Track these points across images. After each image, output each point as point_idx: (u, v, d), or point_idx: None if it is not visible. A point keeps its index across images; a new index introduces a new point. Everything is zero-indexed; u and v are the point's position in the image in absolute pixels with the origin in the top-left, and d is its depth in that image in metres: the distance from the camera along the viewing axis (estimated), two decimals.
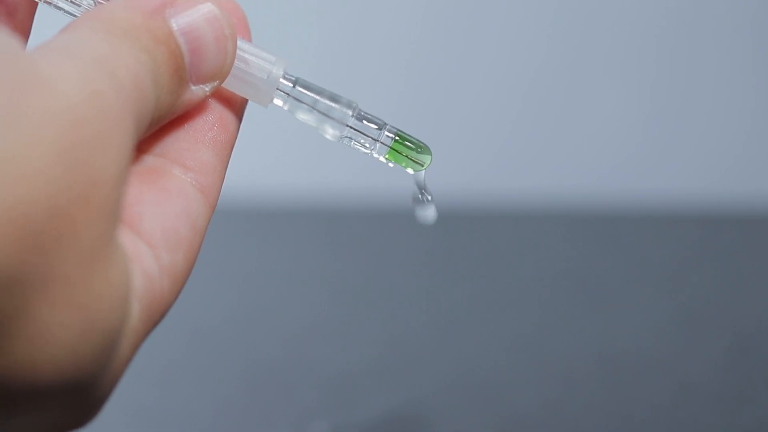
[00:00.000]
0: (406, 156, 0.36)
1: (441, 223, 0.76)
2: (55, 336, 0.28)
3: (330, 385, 0.64)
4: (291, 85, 0.35)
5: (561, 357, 0.64)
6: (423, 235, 0.82)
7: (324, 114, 0.35)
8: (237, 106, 0.35)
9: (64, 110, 0.27)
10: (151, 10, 0.32)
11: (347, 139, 0.35)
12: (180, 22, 0.32)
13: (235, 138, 0.35)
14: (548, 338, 0.66)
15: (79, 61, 0.29)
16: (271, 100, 0.35)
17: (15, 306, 0.27)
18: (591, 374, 0.60)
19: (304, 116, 0.35)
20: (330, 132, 0.35)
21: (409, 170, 0.36)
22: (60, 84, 0.28)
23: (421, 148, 0.36)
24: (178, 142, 0.34)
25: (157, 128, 0.34)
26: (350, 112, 0.35)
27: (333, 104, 0.35)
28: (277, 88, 0.35)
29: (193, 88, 0.33)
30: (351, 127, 0.35)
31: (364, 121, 0.35)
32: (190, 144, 0.34)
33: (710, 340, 0.65)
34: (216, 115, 0.34)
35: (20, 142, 0.26)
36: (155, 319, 0.32)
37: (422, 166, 0.36)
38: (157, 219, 0.32)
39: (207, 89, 0.33)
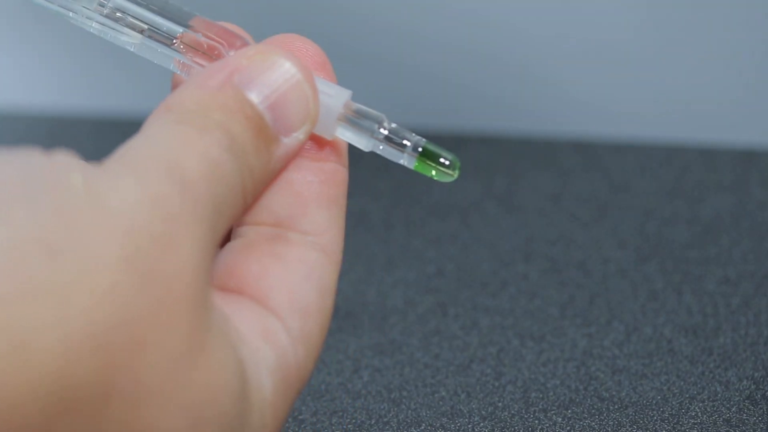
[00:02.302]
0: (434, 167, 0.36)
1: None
2: None
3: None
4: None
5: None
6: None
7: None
8: (339, 156, 0.35)
9: (121, 224, 0.28)
10: (219, 84, 0.32)
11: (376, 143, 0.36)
12: (251, 84, 0.33)
13: (346, 186, 0.35)
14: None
15: (138, 166, 0.29)
16: (334, 134, 0.35)
17: (117, 421, 0.28)
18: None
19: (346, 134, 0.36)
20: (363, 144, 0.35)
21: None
22: (115, 197, 0.28)
23: (449, 161, 0.35)
24: (290, 208, 0.34)
25: (264, 191, 0.34)
26: (377, 126, 0.35)
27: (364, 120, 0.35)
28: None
29: (286, 140, 0.33)
30: (380, 140, 0.35)
31: (392, 135, 0.35)
32: (301, 208, 0.34)
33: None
34: (319, 174, 0.35)
35: (81, 264, 0.27)
36: (295, 388, 0.33)
37: (452, 177, 0.36)
38: (283, 289, 0.33)
39: (301, 136, 0.34)
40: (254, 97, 0.33)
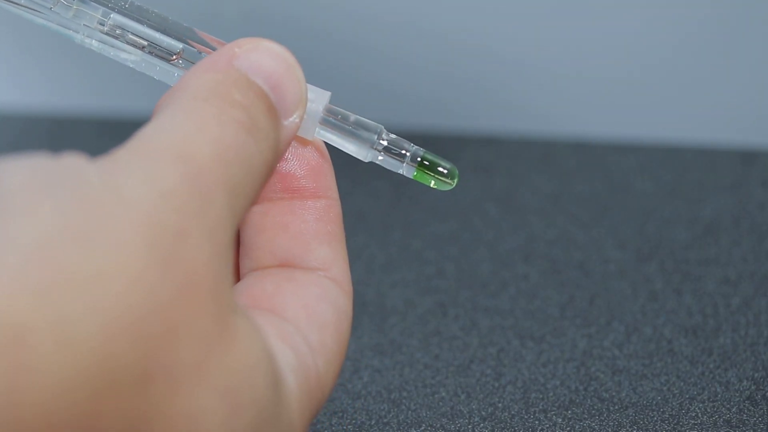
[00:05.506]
0: (433, 175, 0.36)
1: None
2: (204, 422, 0.29)
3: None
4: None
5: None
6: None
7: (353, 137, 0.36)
8: (329, 191, 0.36)
9: (139, 214, 0.28)
10: (226, 62, 0.33)
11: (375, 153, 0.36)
12: (250, 65, 0.33)
13: (341, 220, 0.36)
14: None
15: (147, 158, 0.30)
16: (314, 135, 0.36)
17: (155, 404, 0.28)
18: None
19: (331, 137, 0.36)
20: (362, 154, 0.36)
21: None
22: (128, 190, 0.29)
23: (447, 170, 0.36)
24: (292, 249, 0.35)
25: (269, 182, 0.35)
26: (376, 137, 0.36)
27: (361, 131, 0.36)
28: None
29: (285, 123, 0.34)
30: (379, 151, 0.36)
31: (391, 145, 0.36)
32: (303, 247, 0.35)
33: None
34: (313, 212, 0.36)
35: (110, 252, 0.28)
36: (316, 397, 0.33)
37: (451, 185, 0.36)
38: (299, 305, 0.34)
39: (297, 120, 0.34)
40: (257, 77, 0.33)
